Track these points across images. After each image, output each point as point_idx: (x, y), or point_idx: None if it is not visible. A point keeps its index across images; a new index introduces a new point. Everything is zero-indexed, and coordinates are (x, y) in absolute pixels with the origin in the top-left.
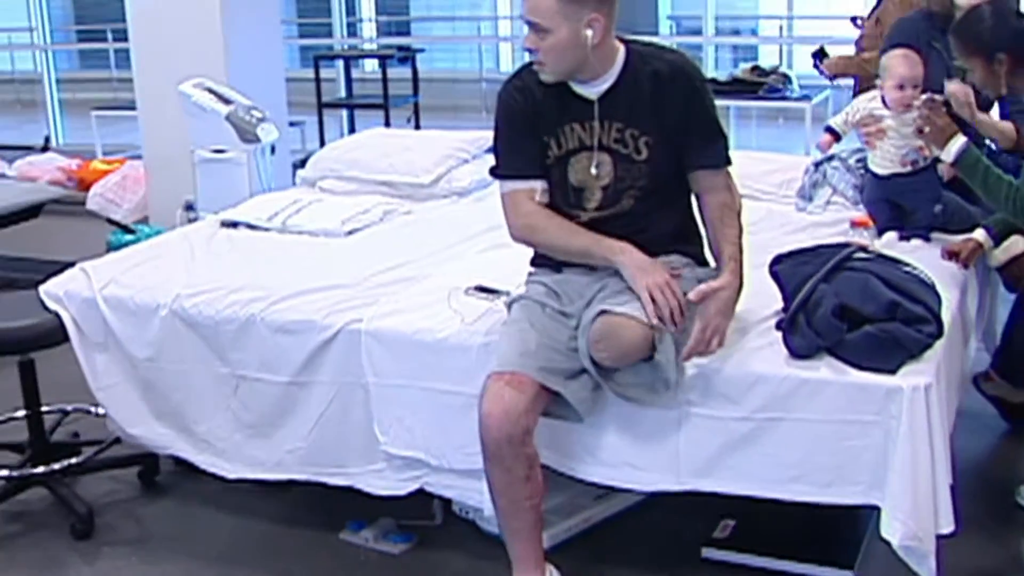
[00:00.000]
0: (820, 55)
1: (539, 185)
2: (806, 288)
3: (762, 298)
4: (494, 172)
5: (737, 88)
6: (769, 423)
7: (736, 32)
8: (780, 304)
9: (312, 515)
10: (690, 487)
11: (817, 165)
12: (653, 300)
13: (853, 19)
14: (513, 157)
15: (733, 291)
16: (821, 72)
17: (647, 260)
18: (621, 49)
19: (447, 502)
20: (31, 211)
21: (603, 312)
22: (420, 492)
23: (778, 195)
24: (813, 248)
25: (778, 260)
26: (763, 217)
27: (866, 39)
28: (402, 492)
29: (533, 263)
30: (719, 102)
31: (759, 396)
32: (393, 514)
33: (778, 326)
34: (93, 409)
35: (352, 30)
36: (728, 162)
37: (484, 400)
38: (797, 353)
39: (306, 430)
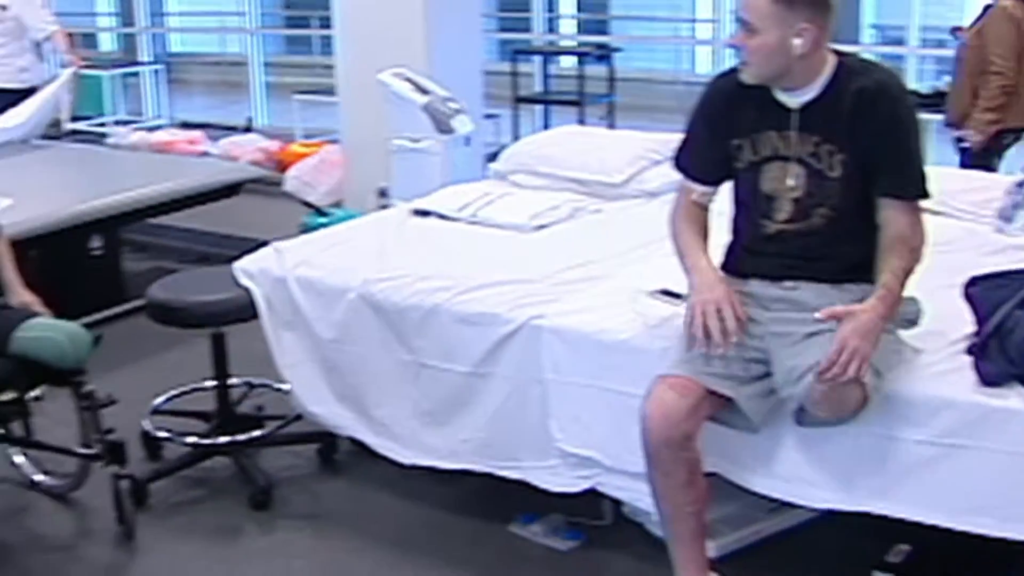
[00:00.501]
0: None
1: (699, 188)
2: (1000, 313)
3: (953, 320)
4: (676, 158)
5: (939, 101)
6: (953, 450)
7: (940, 44)
8: (972, 328)
9: (483, 506)
10: (865, 508)
11: (1021, 185)
12: (701, 318)
13: (953, 30)
14: (689, 153)
15: (876, 318)
16: None
17: (713, 280)
18: (831, 61)
19: (617, 503)
20: (231, 189)
21: None
22: (591, 491)
23: (977, 214)
24: (1011, 272)
25: (973, 282)
26: (959, 237)
27: (969, 51)
28: (574, 490)
29: (723, 267)
30: (920, 115)
31: (944, 421)
32: (563, 511)
33: (969, 351)
34: (278, 385)
35: (551, 26)
36: (920, 195)
37: (646, 402)
38: (988, 380)
39: (482, 421)
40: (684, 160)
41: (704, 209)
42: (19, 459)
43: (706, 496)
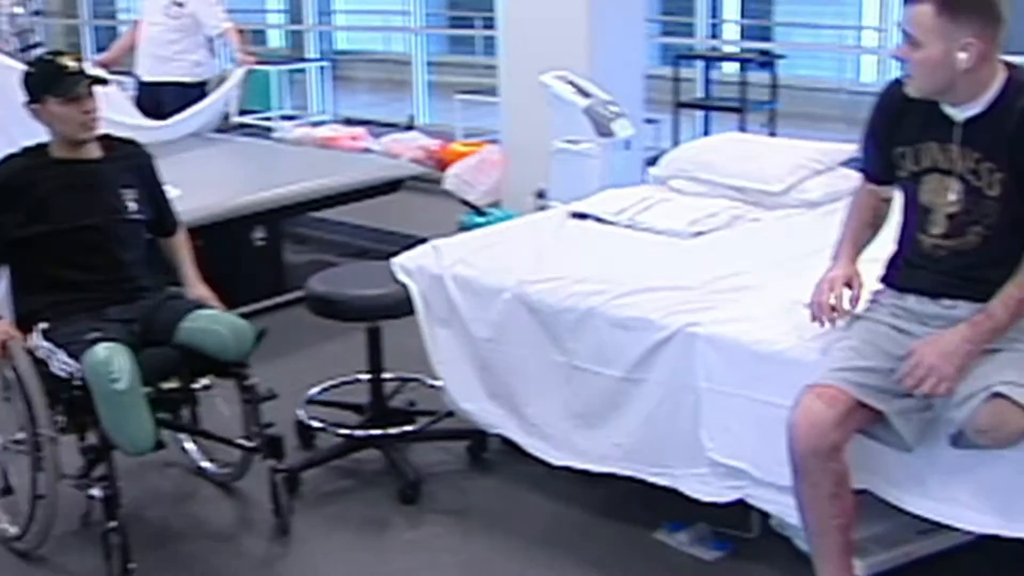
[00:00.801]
0: None
1: (871, 185)
2: None
3: None
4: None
5: None
6: None
7: None
8: None
9: (629, 511)
10: None
11: None
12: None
13: None
14: (864, 151)
15: (960, 341)
16: None
17: (842, 263)
18: (1001, 75)
19: (765, 515)
20: (392, 185)
21: (997, 395)
22: (739, 502)
23: None
24: None
25: None
26: None
27: None
28: (723, 500)
29: (883, 280)
30: None
31: None
32: (709, 520)
33: None
34: (430, 381)
35: (714, 32)
36: None
37: (794, 411)
38: None
39: (633, 426)
40: (863, 154)
41: (883, 201)
42: (189, 445)
43: (853, 511)
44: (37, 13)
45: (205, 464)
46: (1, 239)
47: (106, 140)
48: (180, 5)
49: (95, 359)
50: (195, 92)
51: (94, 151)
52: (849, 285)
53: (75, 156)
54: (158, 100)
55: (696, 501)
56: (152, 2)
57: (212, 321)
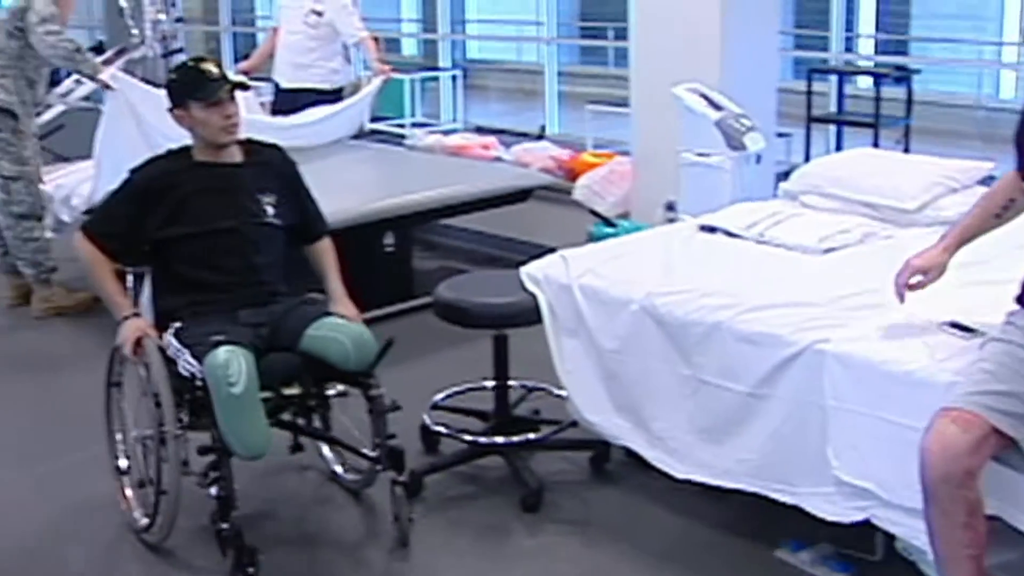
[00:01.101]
0: None
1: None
2: None
3: None
4: None
5: None
6: None
7: None
8: None
9: (751, 527)
10: None
11: None
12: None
13: None
14: (1016, 149)
15: None
16: None
17: (928, 249)
18: None
19: (891, 538)
20: (521, 195)
21: None
22: (864, 523)
23: None
24: None
25: None
26: None
27: None
28: (848, 520)
29: (1019, 300)
30: None
31: None
32: (833, 541)
33: None
34: (555, 390)
35: (849, 45)
36: None
37: (926, 435)
38: None
39: (758, 442)
40: (1016, 150)
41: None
42: (325, 450)
43: (985, 540)
44: (179, 20)
45: (338, 469)
46: (144, 240)
47: (248, 145)
48: (319, 14)
49: (215, 362)
50: (331, 98)
51: (235, 155)
52: (925, 273)
53: (216, 160)
54: (295, 106)
55: (820, 520)
56: (291, 11)
57: (336, 330)
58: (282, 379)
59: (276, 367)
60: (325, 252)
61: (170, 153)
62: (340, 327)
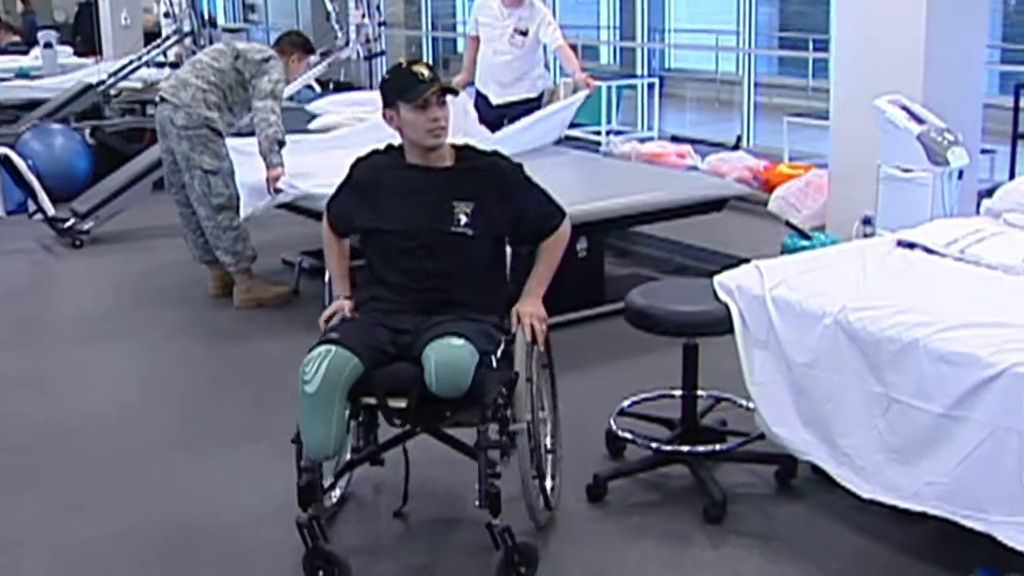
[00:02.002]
0: None
1: None
2: None
3: None
4: None
5: None
6: None
7: None
8: None
9: (939, 553)
10: None
11: None
12: None
13: None
14: None
15: None
16: None
17: None
18: None
19: None
20: (716, 204)
21: None
22: None
23: None
24: None
25: None
26: None
27: None
28: None
29: None
30: None
31: None
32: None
33: None
34: (743, 402)
35: None
36: None
37: None
38: None
39: (950, 466)
40: None
41: None
42: None
43: None
44: (382, 24)
45: None
46: (356, 227)
47: (463, 150)
48: (524, 34)
49: (306, 357)
50: (536, 104)
51: (445, 159)
52: None
53: (423, 162)
54: (505, 117)
55: (1012, 550)
56: (494, 30)
57: (435, 350)
58: (389, 389)
59: (389, 376)
60: (545, 247)
61: (388, 148)
62: (439, 347)
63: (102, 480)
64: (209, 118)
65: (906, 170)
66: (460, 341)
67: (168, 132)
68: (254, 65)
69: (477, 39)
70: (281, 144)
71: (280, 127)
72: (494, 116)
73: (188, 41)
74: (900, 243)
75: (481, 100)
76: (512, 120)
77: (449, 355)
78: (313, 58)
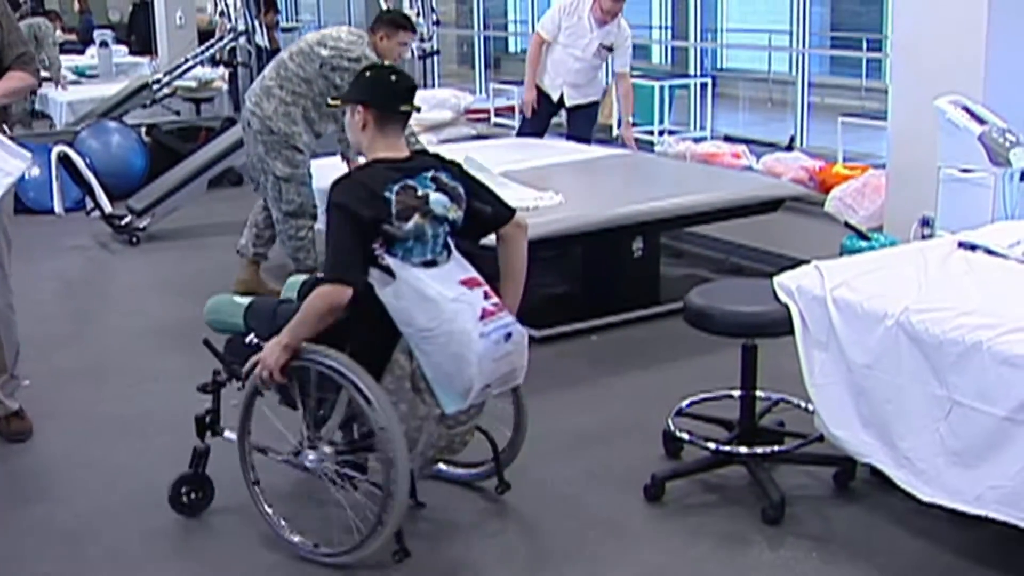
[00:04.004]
0: None
1: None
2: None
3: None
4: None
5: None
6: None
7: None
8: None
9: (1002, 558)
10: None
11: None
12: None
13: None
14: None
15: None
16: None
17: None
18: None
19: None
20: (772, 205)
21: None
22: None
23: None
24: None
25: None
26: None
27: None
28: None
29: None
30: None
31: None
32: None
33: None
34: (802, 403)
35: None
36: None
37: None
38: None
39: (1014, 470)
40: None
41: None
42: None
43: None
44: (436, 23)
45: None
46: None
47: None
48: (609, 49)
49: None
50: (595, 109)
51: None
52: None
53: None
54: (581, 120)
55: None
56: (578, 38)
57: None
58: None
59: None
60: None
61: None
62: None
63: (160, 474)
64: (289, 134)
65: (967, 171)
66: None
67: (247, 132)
68: (350, 74)
69: (545, 42)
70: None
71: None
72: (553, 111)
73: (243, 40)
74: (961, 244)
75: (544, 97)
76: (572, 120)
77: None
78: (408, 35)
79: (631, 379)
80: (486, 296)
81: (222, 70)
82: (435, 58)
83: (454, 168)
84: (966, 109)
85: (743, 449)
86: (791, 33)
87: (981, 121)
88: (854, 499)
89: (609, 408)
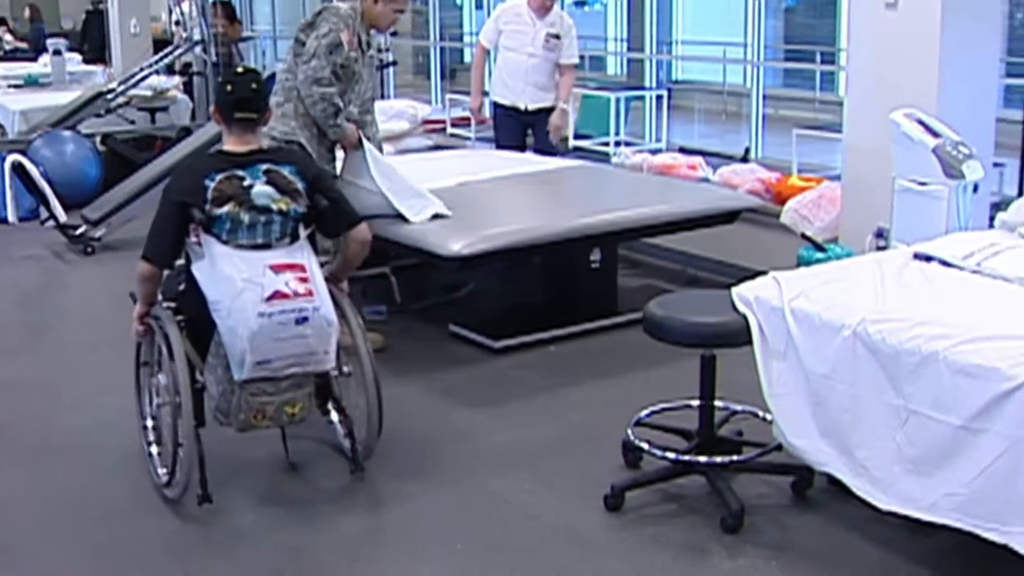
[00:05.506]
0: None
1: None
2: None
3: None
4: None
5: None
6: None
7: None
8: None
9: (958, 564)
10: None
11: None
12: None
13: None
14: None
15: None
16: None
17: None
18: None
19: None
20: (729, 216)
21: None
22: None
23: None
24: None
25: None
26: None
27: None
28: None
29: None
30: None
31: None
32: None
33: None
34: (760, 413)
35: None
36: None
37: None
38: None
39: (968, 478)
40: None
41: None
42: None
43: None
44: (393, 34)
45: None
46: None
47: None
48: (557, 37)
49: None
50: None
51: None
52: None
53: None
54: (533, 126)
55: None
56: (523, 35)
57: None
58: None
59: None
60: None
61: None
62: None
63: (115, 485)
64: (285, 131)
65: (921, 183)
66: None
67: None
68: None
69: (487, 51)
70: (337, 112)
71: (327, 100)
72: (524, 124)
73: (198, 50)
74: (917, 256)
75: (504, 111)
76: (536, 131)
77: None
78: (404, 1)
79: (590, 389)
80: (301, 281)
81: (177, 79)
82: (391, 69)
83: (303, 165)
84: (920, 122)
85: (702, 459)
86: (745, 45)
87: (935, 134)
88: (812, 508)
89: (568, 418)
